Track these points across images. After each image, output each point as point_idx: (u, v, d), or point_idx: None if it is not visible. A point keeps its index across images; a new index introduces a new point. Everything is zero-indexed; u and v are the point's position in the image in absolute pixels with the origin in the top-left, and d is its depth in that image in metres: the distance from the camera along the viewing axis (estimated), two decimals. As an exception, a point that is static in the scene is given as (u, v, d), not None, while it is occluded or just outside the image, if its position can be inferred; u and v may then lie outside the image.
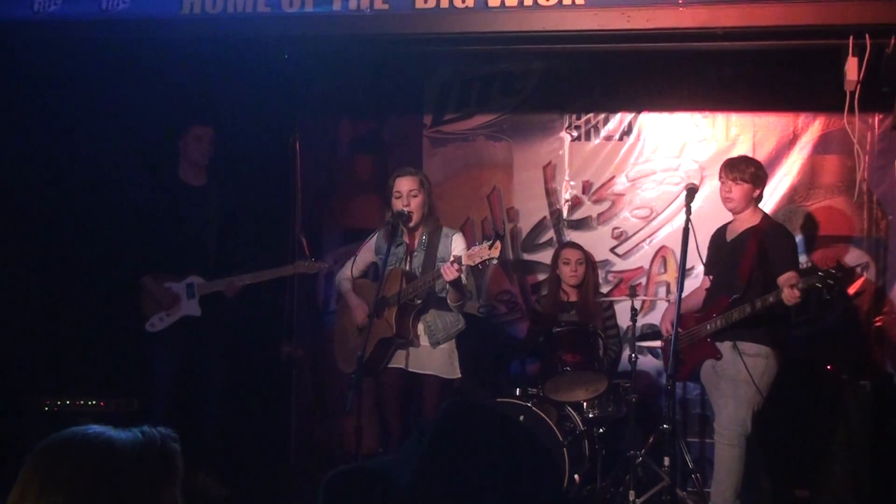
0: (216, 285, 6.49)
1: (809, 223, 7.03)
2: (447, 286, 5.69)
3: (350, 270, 6.03)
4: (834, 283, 5.08)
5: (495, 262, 5.61)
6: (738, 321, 5.43)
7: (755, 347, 5.45)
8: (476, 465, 1.81)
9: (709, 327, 5.58)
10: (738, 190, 5.66)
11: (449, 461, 1.82)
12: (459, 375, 5.92)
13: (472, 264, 5.43)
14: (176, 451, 2.00)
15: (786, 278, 5.33)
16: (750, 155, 6.45)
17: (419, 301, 5.76)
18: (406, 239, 5.90)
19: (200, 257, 6.55)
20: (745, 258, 5.50)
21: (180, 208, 6.53)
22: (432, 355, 5.82)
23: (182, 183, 6.62)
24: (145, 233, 6.47)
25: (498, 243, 5.35)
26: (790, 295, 5.15)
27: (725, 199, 5.74)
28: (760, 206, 5.81)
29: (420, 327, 5.81)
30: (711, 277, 5.92)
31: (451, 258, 5.54)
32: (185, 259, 6.49)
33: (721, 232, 5.90)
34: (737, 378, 5.48)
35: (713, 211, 6.25)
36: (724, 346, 5.58)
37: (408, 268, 5.81)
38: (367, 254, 6.05)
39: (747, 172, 5.64)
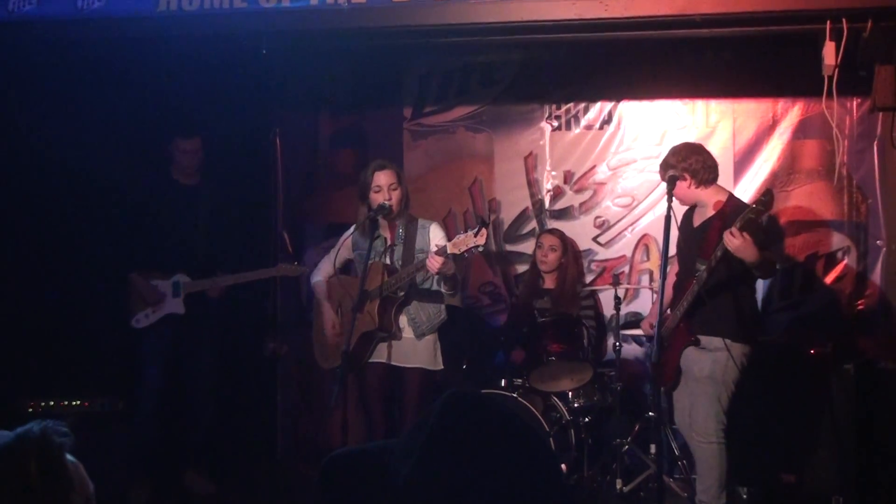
0: (201, 284, 6.51)
1: (790, 208, 7.05)
2: (434, 277, 5.69)
3: (325, 269, 6.02)
4: (764, 208, 5.04)
5: (481, 249, 5.54)
6: (700, 293, 5.30)
7: (715, 341, 5.35)
8: (478, 458, 1.80)
9: (679, 313, 5.50)
10: (675, 192, 5.50)
11: (449, 454, 1.81)
12: (442, 367, 5.91)
13: (458, 252, 5.35)
14: (56, 448, 1.84)
15: None
16: (728, 141, 6.49)
17: (401, 293, 5.74)
18: (384, 232, 5.86)
19: (187, 256, 6.56)
20: (708, 242, 5.38)
21: (173, 207, 6.56)
22: (416, 348, 5.81)
23: (175, 182, 6.64)
24: (135, 231, 6.51)
25: (483, 231, 5.29)
26: (729, 238, 5.03)
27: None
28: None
29: (403, 319, 5.79)
30: (678, 267, 5.80)
31: (434, 248, 5.51)
32: (172, 257, 6.51)
33: (688, 216, 5.74)
34: (699, 375, 5.41)
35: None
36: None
37: (388, 261, 5.79)
38: (343, 252, 5.97)
39: (666, 174, 5.51)
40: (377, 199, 5.73)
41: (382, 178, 5.76)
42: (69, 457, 1.88)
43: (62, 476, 1.83)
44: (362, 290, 5.56)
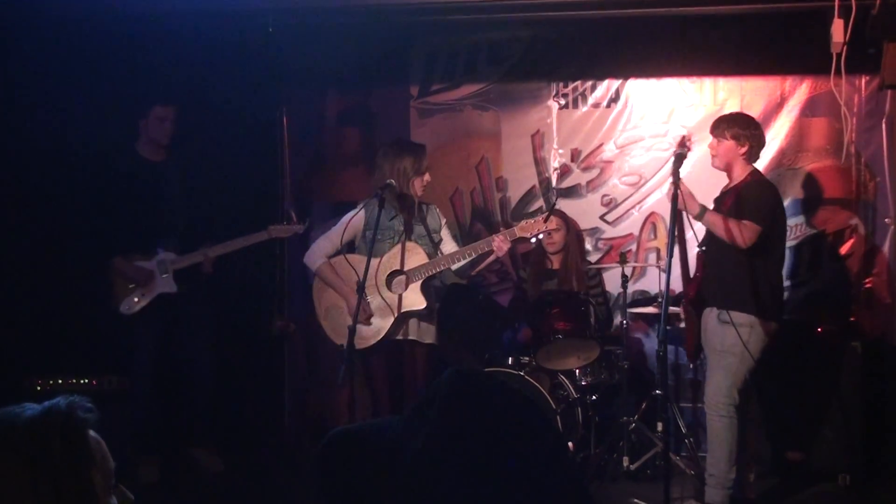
0: (189, 259, 6.46)
1: (798, 186, 7.03)
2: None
3: (325, 250, 6.03)
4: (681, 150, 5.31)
5: (545, 236, 6.02)
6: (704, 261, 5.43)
7: (740, 316, 5.40)
8: (486, 435, 1.81)
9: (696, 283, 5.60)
10: (721, 147, 5.60)
11: (459, 431, 1.81)
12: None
13: (526, 237, 5.66)
14: (81, 424, 1.83)
15: None
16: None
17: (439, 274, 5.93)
18: (400, 213, 5.91)
19: (169, 234, 6.50)
20: (721, 212, 5.49)
21: (140, 183, 6.46)
22: (431, 324, 5.99)
23: (140, 158, 6.55)
24: (112, 209, 6.41)
25: (552, 218, 5.68)
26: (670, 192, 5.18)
27: (711, 157, 5.72)
28: (758, 165, 5.75)
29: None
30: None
31: (501, 232, 5.73)
32: (153, 236, 6.46)
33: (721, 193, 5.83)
34: (721, 349, 5.47)
35: (702, 176, 6.25)
36: (711, 316, 5.56)
37: (409, 240, 5.88)
38: (350, 231, 6.00)
39: (730, 130, 5.57)
40: (417, 182, 5.88)
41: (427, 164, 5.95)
42: (92, 433, 1.88)
43: (85, 452, 1.83)
44: (391, 270, 5.77)
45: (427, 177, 5.90)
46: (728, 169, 5.66)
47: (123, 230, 6.41)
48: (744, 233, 5.37)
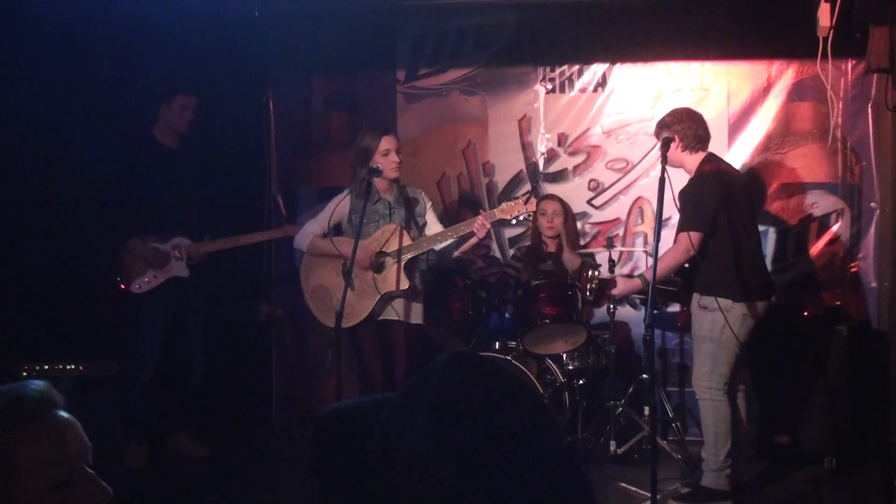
0: (206, 246, 6.47)
1: (784, 171, 7.04)
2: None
3: (315, 232, 6.02)
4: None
5: (528, 217, 6.14)
6: None
7: (708, 300, 5.43)
8: (484, 419, 1.80)
9: None
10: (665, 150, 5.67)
11: (457, 415, 1.80)
12: None
13: (507, 219, 5.65)
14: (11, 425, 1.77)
15: None
16: (723, 104, 6.61)
17: (423, 255, 5.92)
18: (385, 196, 5.91)
19: (183, 220, 6.51)
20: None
21: (156, 168, 6.48)
22: (418, 305, 6.00)
23: (158, 143, 6.57)
24: (126, 193, 6.42)
25: (533, 199, 5.62)
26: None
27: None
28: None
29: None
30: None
31: (481, 214, 5.71)
32: (169, 220, 6.46)
33: None
34: (699, 334, 5.52)
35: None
36: (693, 301, 5.58)
37: (393, 223, 5.86)
38: (336, 216, 6.02)
39: (660, 133, 5.64)
40: (384, 162, 5.80)
41: (391, 142, 5.86)
42: (64, 414, 1.84)
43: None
44: (377, 251, 5.78)
45: (394, 157, 5.84)
46: (681, 166, 5.65)
47: (140, 212, 6.42)
48: (681, 248, 5.43)
